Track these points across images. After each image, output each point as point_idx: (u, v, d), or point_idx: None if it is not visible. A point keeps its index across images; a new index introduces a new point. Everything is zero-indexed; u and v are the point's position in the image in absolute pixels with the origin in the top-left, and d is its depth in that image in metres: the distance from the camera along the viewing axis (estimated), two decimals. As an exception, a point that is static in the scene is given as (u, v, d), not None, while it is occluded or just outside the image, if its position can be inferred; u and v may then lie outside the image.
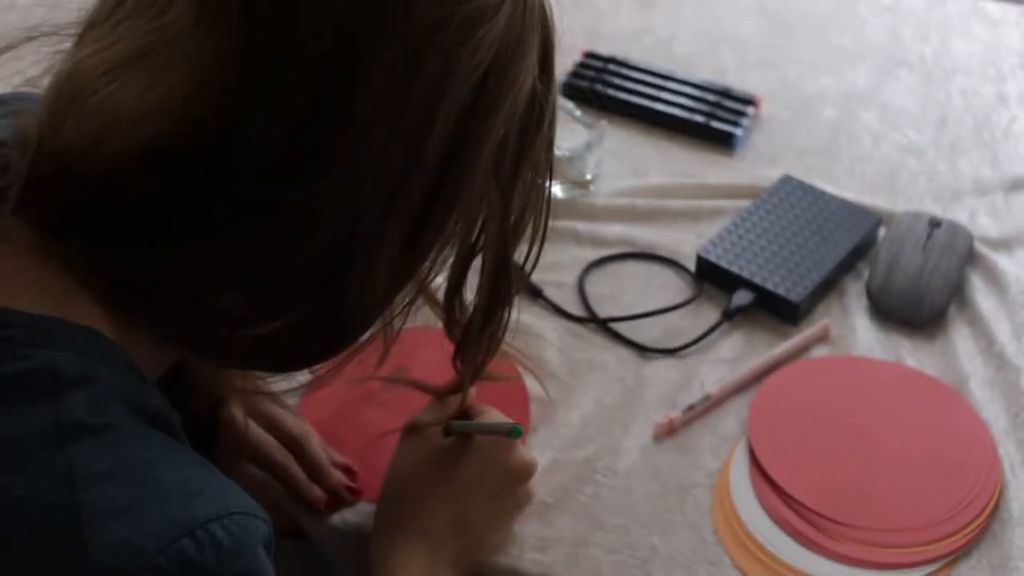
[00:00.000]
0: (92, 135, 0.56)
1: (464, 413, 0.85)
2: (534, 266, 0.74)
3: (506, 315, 0.75)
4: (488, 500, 0.83)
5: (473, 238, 0.70)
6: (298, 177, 0.58)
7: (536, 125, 0.66)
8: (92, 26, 0.60)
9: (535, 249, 0.73)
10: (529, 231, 0.72)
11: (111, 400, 0.57)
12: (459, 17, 0.58)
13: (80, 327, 0.59)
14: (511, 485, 0.84)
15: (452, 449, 0.83)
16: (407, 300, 0.69)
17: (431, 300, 0.75)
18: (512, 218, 0.70)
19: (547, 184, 0.72)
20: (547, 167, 0.70)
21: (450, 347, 0.79)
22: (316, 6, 0.56)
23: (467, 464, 0.83)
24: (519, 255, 0.73)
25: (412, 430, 0.85)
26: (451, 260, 0.71)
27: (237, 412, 0.84)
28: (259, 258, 0.59)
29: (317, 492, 0.87)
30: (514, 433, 0.81)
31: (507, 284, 0.73)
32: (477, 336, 0.76)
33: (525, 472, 0.84)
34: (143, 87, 0.56)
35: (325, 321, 0.63)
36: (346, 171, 0.58)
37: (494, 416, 0.86)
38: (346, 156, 0.58)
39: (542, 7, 0.65)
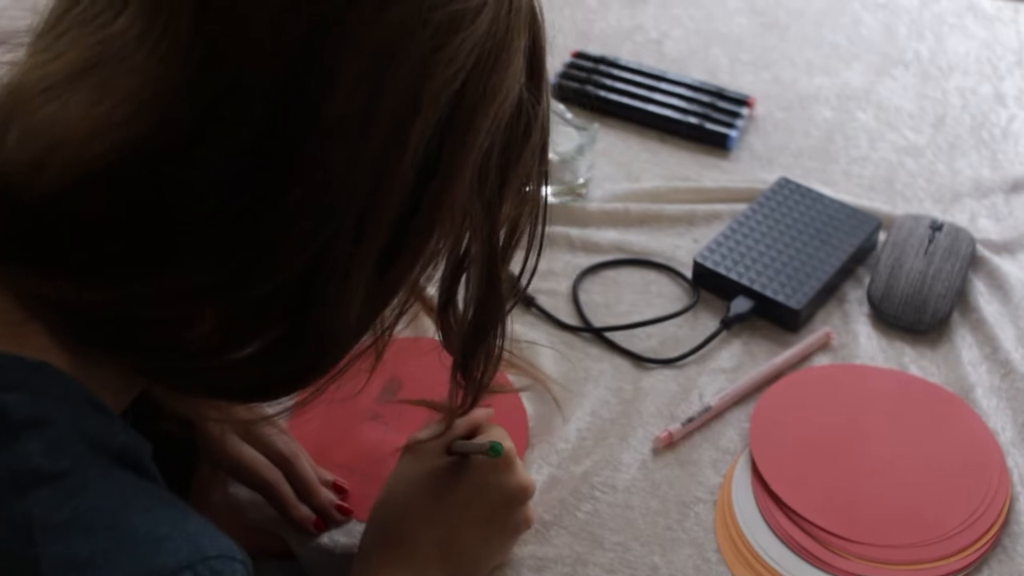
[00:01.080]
0: (34, 154, 0.53)
1: (470, 431, 0.82)
2: (530, 279, 0.71)
3: (500, 329, 0.71)
4: (481, 523, 0.79)
5: (461, 253, 0.66)
6: (260, 199, 0.54)
7: (524, 136, 0.62)
8: (38, 36, 0.56)
9: (531, 261, 0.70)
10: (525, 240, 0.69)
11: (70, 442, 0.53)
12: (435, 22, 0.54)
13: (34, 364, 0.55)
14: (507, 508, 0.80)
15: (447, 470, 0.80)
16: (397, 311, 0.65)
17: (428, 310, 0.71)
18: (500, 232, 0.66)
19: (541, 194, 0.68)
20: (540, 177, 0.67)
21: (447, 358, 0.76)
22: (274, 13, 0.52)
23: (461, 485, 0.79)
24: (515, 264, 0.70)
25: (411, 448, 0.82)
26: (440, 274, 0.68)
27: (225, 430, 0.81)
28: (222, 284, 0.55)
29: (306, 512, 0.84)
30: (492, 452, 0.78)
31: (498, 298, 0.69)
32: (473, 350, 0.72)
33: (522, 495, 0.80)
34: (87, 104, 0.52)
35: (298, 347, 0.59)
36: (311, 190, 0.54)
37: (498, 434, 0.82)
38: (311, 174, 0.54)
39: (530, 8, 0.61)
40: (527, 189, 0.66)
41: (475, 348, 0.71)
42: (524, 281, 0.71)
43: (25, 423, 0.53)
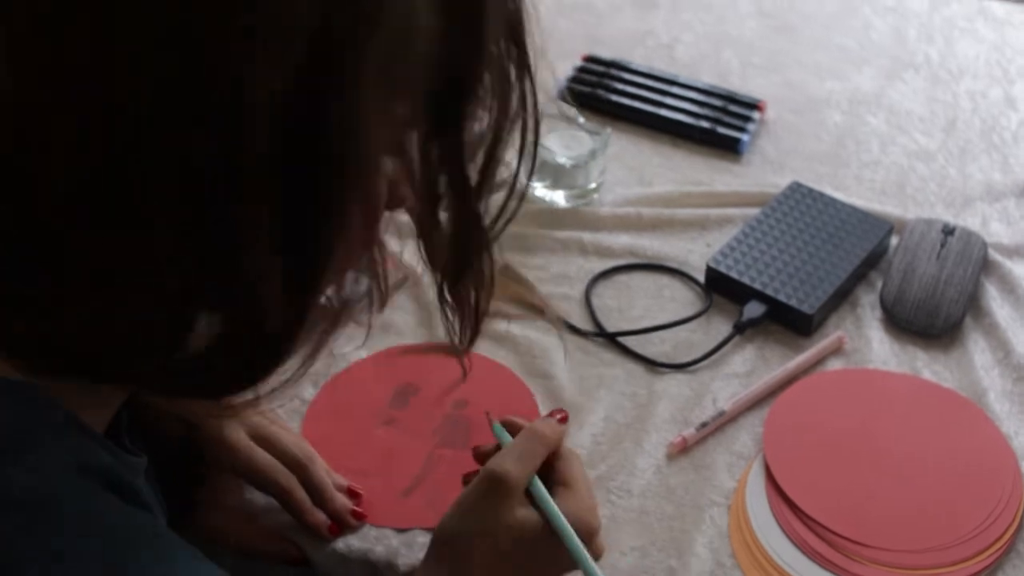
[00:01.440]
0: None
1: (547, 462, 0.77)
2: (514, 212, 0.63)
3: (487, 254, 0.63)
4: None
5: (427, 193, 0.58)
6: (123, 202, 0.49)
7: (467, 80, 0.54)
8: None
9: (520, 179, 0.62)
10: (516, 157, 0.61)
11: (54, 468, 0.52)
12: None
13: (8, 382, 0.53)
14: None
15: (529, 534, 0.73)
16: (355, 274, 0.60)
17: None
18: (470, 164, 0.58)
19: (522, 110, 0.59)
20: (519, 92, 0.57)
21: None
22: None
23: (530, 555, 0.74)
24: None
25: (494, 480, 0.74)
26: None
27: (239, 435, 0.82)
28: (120, 296, 0.51)
29: (321, 517, 0.84)
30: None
31: (479, 228, 0.61)
32: (458, 275, 0.64)
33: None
34: None
35: (248, 331, 0.53)
36: (175, 176, 0.48)
37: (576, 469, 0.78)
38: (169, 163, 0.48)
39: None
40: (494, 113, 0.57)
41: (461, 273, 0.64)
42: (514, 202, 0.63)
43: (4, 450, 0.51)
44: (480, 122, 0.57)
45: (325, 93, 0.48)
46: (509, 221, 0.63)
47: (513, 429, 0.79)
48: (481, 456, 0.80)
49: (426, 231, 0.61)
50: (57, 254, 0.50)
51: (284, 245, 0.51)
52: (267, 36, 0.47)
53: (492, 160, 0.58)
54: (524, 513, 0.74)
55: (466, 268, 0.63)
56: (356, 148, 0.50)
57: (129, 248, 0.50)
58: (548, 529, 0.73)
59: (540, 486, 0.75)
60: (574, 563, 0.73)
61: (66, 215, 0.49)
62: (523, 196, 0.63)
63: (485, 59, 0.55)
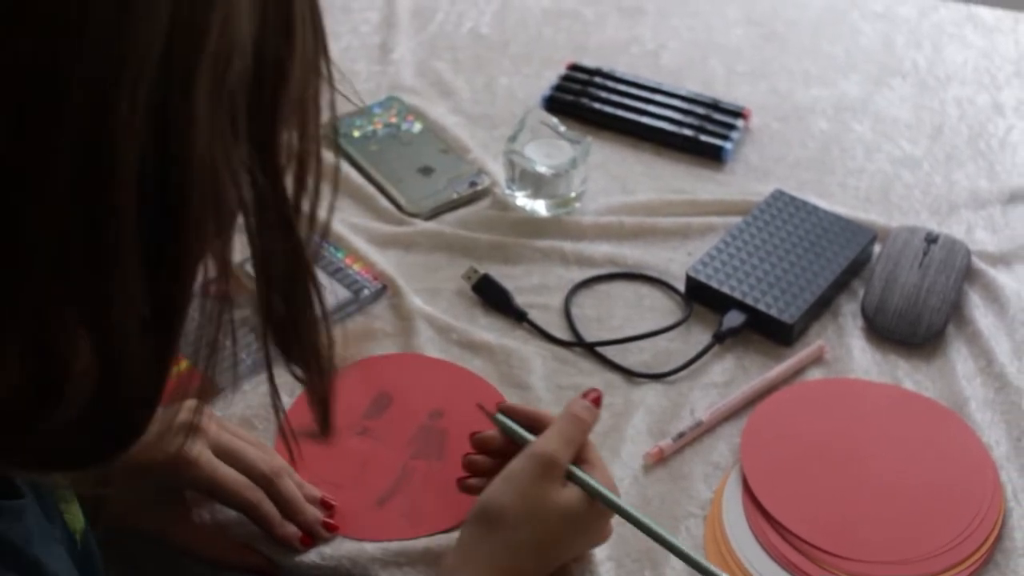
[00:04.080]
0: None
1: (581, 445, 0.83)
2: (329, 218, 0.57)
3: (317, 293, 0.56)
4: (567, 561, 0.82)
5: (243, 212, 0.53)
6: None
7: (276, 87, 0.51)
8: None
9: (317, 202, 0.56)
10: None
11: None
12: None
13: None
14: (594, 546, 0.84)
15: (576, 510, 0.79)
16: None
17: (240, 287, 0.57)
18: (284, 182, 0.54)
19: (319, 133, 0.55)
20: (315, 113, 0.54)
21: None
22: None
23: (576, 530, 0.80)
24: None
25: (546, 462, 0.79)
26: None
27: (202, 451, 0.81)
28: None
29: (291, 530, 0.84)
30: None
31: (301, 257, 0.55)
32: (292, 324, 0.56)
33: (606, 538, 0.84)
34: None
35: (111, 380, 0.49)
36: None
37: (594, 451, 0.83)
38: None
39: None
40: (304, 128, 0.54)
41: (296, 321, 0.57)
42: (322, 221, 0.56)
43: None
44: (289, 130, 0.53)
45: (171, 108, 0.46)
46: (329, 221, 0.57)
47: (516, 415, 0.84)
48: (480, 442, 0.85)
49: (258, 251, 0.54)
50: None
51: (145, 272, 0.47)
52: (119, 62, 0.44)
53: (303, 169, 0.54)
54: (568, 492, 0.79)
55: (299, 304, 0.56)
56: (198, 166, 0.47)
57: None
58: (591, 504, 0.79)
59: (575, 467, 0.80)
60: (608, 534, 0.83)
61: None
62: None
63: (296, 57, 0.51)
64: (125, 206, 0.46)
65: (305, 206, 0.54)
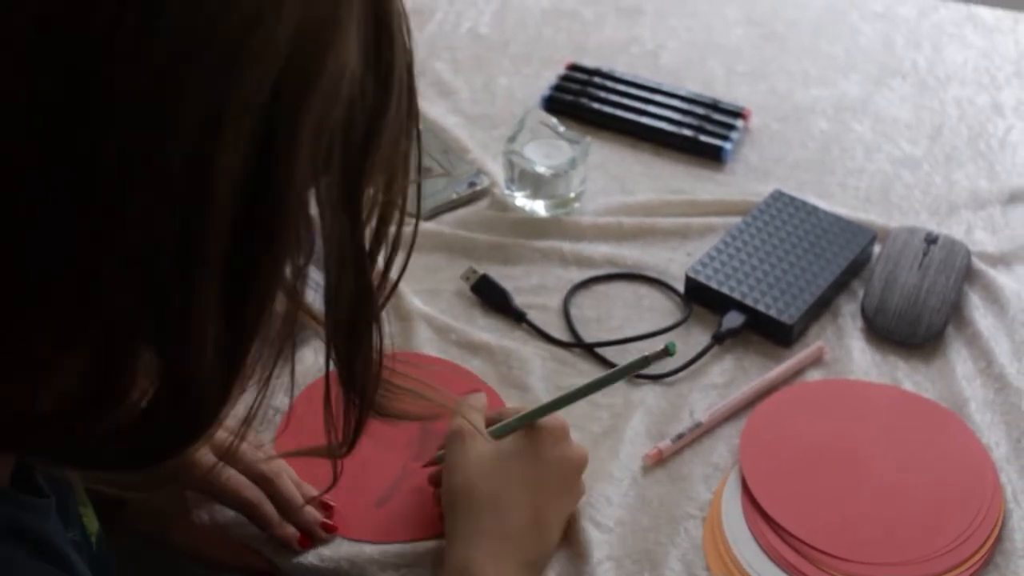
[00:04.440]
0: None
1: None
2: (399, 278, 0.60)
3: (379, 335, 0.59)
4: (559, 495, 0.83)
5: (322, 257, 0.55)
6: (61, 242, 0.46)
7: (371, 131, 0.52)
8: None
9: (395, 256, 0.59)
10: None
11: None
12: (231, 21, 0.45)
13: None
14: (575, 474, 0.85)
15: (515, 447, 0.83)
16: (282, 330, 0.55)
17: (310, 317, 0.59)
18: (365, 232, 0.55)
19: (407, 186, 0.57)
20: (405, 169, 0.56)
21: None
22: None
23: (535, 461, 0.82)
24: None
25: (458, 431, 0.83)
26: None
27: (202, 452, 0.81)
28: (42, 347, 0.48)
29: (290, 531, 0.84)
30: (671, 349, 0.82)
31: (370, 302, 0.57)
32: (350, 360, 0.59)
33: (582, 462, 0.85)
34: None
35: (167, 399, 0.50)
36: (113, 225, 0.45)
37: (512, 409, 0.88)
38: (111, 209, 0.45)
39: None
40: (391, 183, 0.56)
41: (352, 358, 0.59)
42: (391, 282, 0.60)
43: None
44: (374, 185, 0.55)
45: (271, 155, 0.48)
46: (392, 292, 0.60)
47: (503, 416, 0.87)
48: (437, 476, 0.87)
49: (332, 296, 0.56)
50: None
51: (224, 302, 0.49)
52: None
53: (384, 222, 0.56)
54: (500, 442, 0.83)
55: (358, 343, 0.58)
56: (292, 204, 0.49)
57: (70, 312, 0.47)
58: (524, 437, 0.83)
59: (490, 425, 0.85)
60: (578, 460, 0.85)
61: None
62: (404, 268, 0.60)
63: (391, 109, 0.53)
64: (219, 231, 0.47)
65: (380, 259, 0.57)
